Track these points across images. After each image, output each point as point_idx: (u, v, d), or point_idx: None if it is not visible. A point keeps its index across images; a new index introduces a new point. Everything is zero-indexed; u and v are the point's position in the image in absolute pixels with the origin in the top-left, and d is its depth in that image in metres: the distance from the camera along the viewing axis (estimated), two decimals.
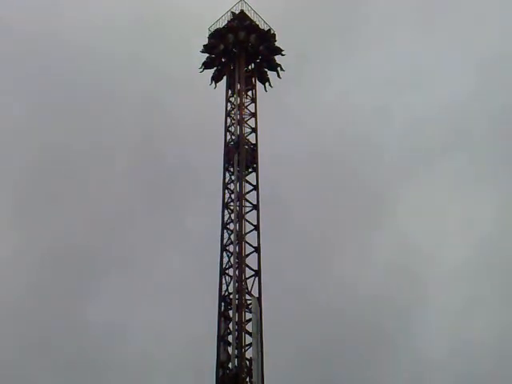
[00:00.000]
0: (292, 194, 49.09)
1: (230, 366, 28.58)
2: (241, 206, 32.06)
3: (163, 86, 53.84)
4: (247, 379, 28.27)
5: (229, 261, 31.15)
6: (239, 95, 35.13)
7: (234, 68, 36.35)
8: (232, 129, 34.45)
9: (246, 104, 35.13)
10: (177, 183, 52.01)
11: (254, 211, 32.23)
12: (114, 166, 55.77)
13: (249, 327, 29.29)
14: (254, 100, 35.43)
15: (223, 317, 29.90)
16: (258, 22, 36.74)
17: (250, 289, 30.36)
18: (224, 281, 30.77)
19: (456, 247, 52.56)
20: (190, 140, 49.45)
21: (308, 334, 44.51)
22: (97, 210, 53.52)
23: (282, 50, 36.89)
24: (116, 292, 49.67)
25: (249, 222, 31.92)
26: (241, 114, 34.44)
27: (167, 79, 52.56)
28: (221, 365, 28.70)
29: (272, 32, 36.94)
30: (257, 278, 30.53)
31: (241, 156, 33.16)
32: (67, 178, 55.50)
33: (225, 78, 36.62)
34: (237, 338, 28.91)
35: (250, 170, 33.36)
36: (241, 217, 31.75)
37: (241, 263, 30.67)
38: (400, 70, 61.26)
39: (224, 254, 31.40)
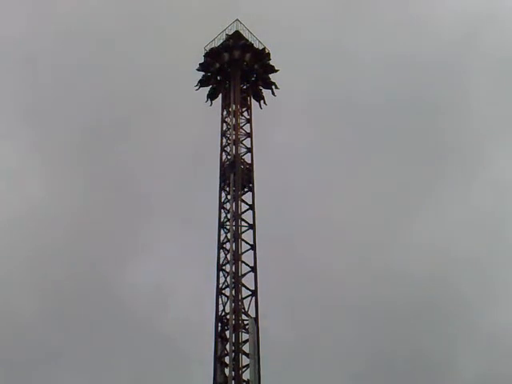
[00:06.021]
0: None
1: None
2: (237, 226, 32.07)
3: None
4: None
5: (225, 281, 31.14)
6: (235, 116, 35.25)
7: (229, 86, 36.50)
8: (228, 149, 34.64)
9: (241, 124, 35.21)
10: None
11: (250, 231, 32.25)
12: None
13: (246, 348, 29.18)
14: (249, 120, 35.57)
15: (220, 338, 29.84)
16: (252, 42, 37.04)
17: (246, 309, 30.33)
18: (221, 301, 30.71)
19: None
20: None
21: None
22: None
23: (276, 70, 37.33)
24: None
25: (245, 241, 31.93)
26: (236, 135, 34.55)
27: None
28: None
29: (267, 51, 37.23)
30: (253, 298, 30.49)
31: (237, 176, 33.26)
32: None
33: (220, 96, 36.79)
34: (234, 360, 28.77)
35: (245, 189, 33.45)
36: (237, 236, 31.77)
37: (237, 283, 30.67)
38: None
39: (220, 273, 31.39)
